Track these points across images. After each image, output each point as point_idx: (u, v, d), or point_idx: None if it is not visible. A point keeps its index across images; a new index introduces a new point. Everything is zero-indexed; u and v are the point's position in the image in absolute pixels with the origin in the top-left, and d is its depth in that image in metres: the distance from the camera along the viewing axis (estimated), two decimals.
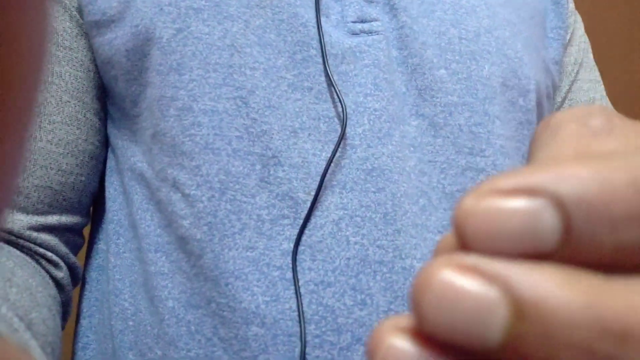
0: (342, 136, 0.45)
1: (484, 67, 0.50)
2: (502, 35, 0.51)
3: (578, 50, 0.60)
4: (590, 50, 0.62)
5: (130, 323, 0.48)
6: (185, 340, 0.45)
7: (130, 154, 0.50)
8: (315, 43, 0.47)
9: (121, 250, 0.50)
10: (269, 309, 0.43)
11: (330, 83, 0.47)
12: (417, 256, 0.45)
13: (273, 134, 0.46)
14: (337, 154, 0.46)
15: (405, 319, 0.13)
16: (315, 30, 0.47)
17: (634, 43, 1.49)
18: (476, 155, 0.48)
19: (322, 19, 0.48)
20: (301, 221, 0.45)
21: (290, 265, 0.44)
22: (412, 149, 0.48)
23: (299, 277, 0.44)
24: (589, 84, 0.61)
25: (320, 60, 0.47)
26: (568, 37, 0.59)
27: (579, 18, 0.62)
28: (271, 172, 0.45)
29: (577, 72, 0.60)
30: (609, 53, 1.45)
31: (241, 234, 0.45)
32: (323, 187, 0.45)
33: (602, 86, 0.62)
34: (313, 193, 0.45)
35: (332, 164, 0.45)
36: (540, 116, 0.55)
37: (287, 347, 0.43)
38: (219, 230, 0.45)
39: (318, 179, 0.45)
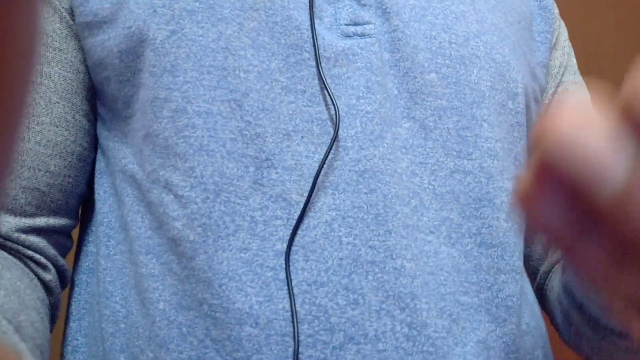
0: (335, 138, 0.46)
1: (473, 72, 0.51)
2: (490, 40, 0.52)
3: (563, 54, 0.62)
4: (573, 54, 0.64)
5: (122, 326, 0.47)
6: (177, 342, 0.44)
7: (122, 156, 0.50)
8: (308, 46, 0.48)
9: (112, 253, 0.50)
10: (262, 310, 0.44)
11: (323, 86, 0.47)
12: (407, 256, 0.46)
13: (267, 136, 0.46)
14: (330, 156, 0.46)
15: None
16: (308, 32, 0.48)
17: (623, 45, 1.50)
18: (463, 158, 0.49)
19: (316, 22, 0.49)
20: (294, 222, 0.45)
21: (284, 266, 0.44)
22: (404, 150, 0.48)
23: (292, 277, 0.44)
24: (575, 85, 0.62)
25: (314, 62, 0.48)
26: (553, 42, 0.61)
27: (562, 24, 0.64)
28: (264, 174, 0.46)
29: (562, 75, 0.62)
30: (599, 54, 1.46)
31: (235, 235, 0.45)
32: (316, 189, 0.45)
33: (586, 89, 0.63)
34: (306, 195, 0.45)
35: (324, 166, 0.46)
36: (528, 119, 0.56)
37: (281, 347, 0.43)
38: (213, 232, 0.45)
39: (311, 180, 0.46)
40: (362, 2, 0.50)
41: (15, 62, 0.10)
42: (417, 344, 0.44)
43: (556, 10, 0.62)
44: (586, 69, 0.68)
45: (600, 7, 1.48)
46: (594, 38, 1.45)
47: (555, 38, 0.61)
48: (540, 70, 0.58)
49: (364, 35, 0.49)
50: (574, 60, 0.64)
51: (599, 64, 1.45)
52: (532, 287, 0.61)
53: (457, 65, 0.50)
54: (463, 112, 0.49)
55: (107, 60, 0.49)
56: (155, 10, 0.47)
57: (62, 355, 0.53)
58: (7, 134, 0.11)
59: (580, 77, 0.63)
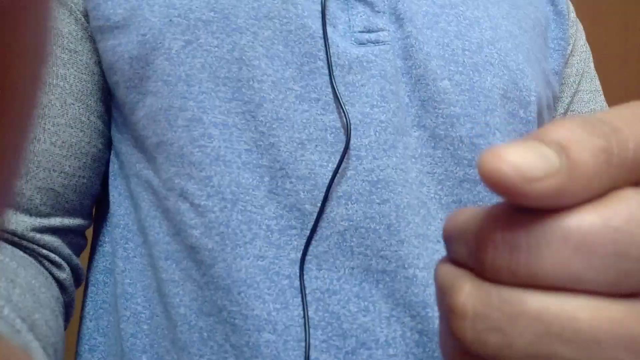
0: (346, 149, 0.46)
1: (487, 79, 0.50)
2: (504, 47, 0.52)
3: (580, 61, 0.61)
4: (591, 59, 0.63)
5: (145, 327, 0.48)
6: (198, 346, 0.45)
7: (135, 160, 0.50)
8: (322, 54, 0.48)
9: (131, 255, 0.50)
10: (279, 316, 0.45)
11: (335, 94, 0.47)
12: (419, 265, 0.46)
13: (281, 146, 0.46)
14: (343, 165, 0.46)
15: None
16: (322, 41, 0.48)
17: (630, 46, 1.50)
18: (475, 167, 0.49)
19: (330, 29, 0.48)
20: (308, 232, 0.46)
21: (298, 274, 0.45)
22: (413, 160, 0.48)
23: (306, 285, 0.45)
24: (590, 94, 0.62)
25: (327, 71, 0.48)
26: (570, 49, 0.60)
27: (580, 27, 0.63)
28: (279, 183, 0.46)
29: (579, 83, 0.61)
30: (606, 56, 1.46)
31: (252, 244, 0.46)
32: (329, 199, 0.46)
33: (602, 96, 0.63)
34: (319, 204, 0.46)
35: (337, 176, 0.46)
36: (540, 127, 0.55)
37: (297, 352, 0.44)
38: (231, 240, 0.46)
39: (324, 190, 0.46)
40: (376, 9, 0.50)
41: (26, 62, 0.10)
42: (427, 350, 0.45)
43: (573, 15, 0.61)
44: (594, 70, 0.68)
45: (608, 8, 1.48)
46: (601, 39, 1.45)
47: (572, 45, 0.60)
48: (553, 77, 0.58)
49: (378, 43, 0.49)
50: (591, 65, 0.63)
51: (606, 66, 1.44)
52: None
53: (471, 73, 0.50)
54: (477, 120, 0.49)
55: (117, 65, 0.49)
56: (171, 20, 0.47)
57: (77, 354, 0.54)
58: (18, 134, 0.11)
59: (598, 83, 0.63)
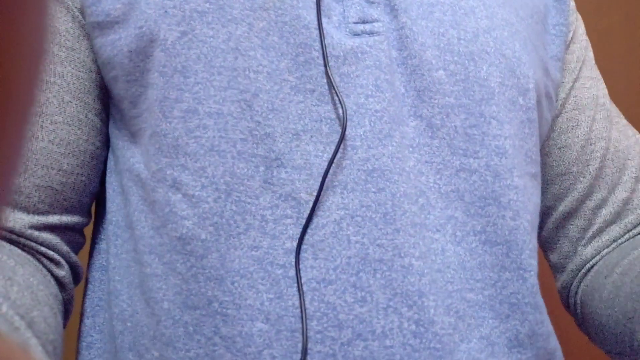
0: (342, 138, 0.46)
1: (482, 68, 0.50)
2: (500, 36, 0.52)
3: (580, 48, 0.62)
4: (590, 49, 0.64)
5: (129, 324, 0.48)
6: (184, 341, 0.45)
7: (129, 155, 0.50)
8: (317, 45, 0.48)
9: (119, 252, 0.50)
10: (273, 306, 0.44)
11: (331, 85, 0.47)
12: (415, 254, 0.46)
13: (276, 136, 0.46)
14: (339, 155, 0.46)
15: None
16: (317, 31, 0.48)
17: (633, 42, 1.49)
18: (470, 157, 0.49)
19: (324, 20, 0.49)
20: (304, 221, 0.46)
21: (293, 264, 0.45)
22: (410, 149, 0.48)
23: (302, 275, 0.45)
24: (591, 81, 0.62)
25: (322, 62, 0.48)
26: (570, 35, 0.61)
27: (579, 17, 0.64)
28: (274, 173, 0.46)
29: (580, 70, 0.61)
30: (609, 52, 1.45)
31: (246, 234, 0.45)
32: (324, 188, 0.46)
33: (604, 84, 0.63)
34: (315, 194, 0.46)
35: (333, 165, 0.46)
36: (540, 115, 0.55)
37: (290, 343, 0.44)
38: (225, 231, 0.45)
39: (320, 180, 0.46)
40: None
41: (24, 60, 0.10)
42: (424, 340, 0.45)
43: (572, 3, 0.62)
44: (597, 66, 0.68)
45: (611, 3, 1.47)
46: (603, 35, 1.45)
47: (572, 32, 0.61)
48: (554, 64, 0.58)
49: (372, 33, 0.49)
50: (591, 54, 0.63)
51: (609, 62, 1.44)
52: (557, 284, 0.61)
53: (466, 62, 0.50)
54: (471, 110, 0.49)
55: (116, 60, 0.49)
56: (166, 11, 0.48)
57: (77, 351, 0.54)
58: (16, 132, 0.11)
59: (598, 72, 0.63)
